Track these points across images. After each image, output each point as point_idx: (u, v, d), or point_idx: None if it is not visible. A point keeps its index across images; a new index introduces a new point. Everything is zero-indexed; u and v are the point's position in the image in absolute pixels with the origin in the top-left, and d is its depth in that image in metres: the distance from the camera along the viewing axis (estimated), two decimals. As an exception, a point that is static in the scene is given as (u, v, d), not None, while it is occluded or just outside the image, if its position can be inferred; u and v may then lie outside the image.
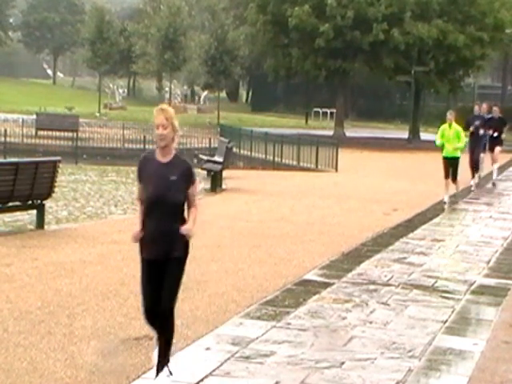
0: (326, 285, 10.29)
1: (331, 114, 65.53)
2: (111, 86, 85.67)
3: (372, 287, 10.27)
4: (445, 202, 19.21)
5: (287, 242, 13.36)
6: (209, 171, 23.01)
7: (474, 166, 23.35)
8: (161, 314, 6.45)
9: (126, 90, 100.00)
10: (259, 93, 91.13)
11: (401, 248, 13.26)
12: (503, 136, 24.51)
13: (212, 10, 71.81)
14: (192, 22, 73.67)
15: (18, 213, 14.80)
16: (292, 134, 40.23)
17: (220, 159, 23.29)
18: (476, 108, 24.03)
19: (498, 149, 24.33)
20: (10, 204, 13.69)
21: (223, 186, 22.60)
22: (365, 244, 13.50)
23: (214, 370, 6.88)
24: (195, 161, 34.22)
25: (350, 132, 54.53)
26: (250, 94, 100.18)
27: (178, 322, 8.31)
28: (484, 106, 24.23)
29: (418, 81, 49.61)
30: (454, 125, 19.32)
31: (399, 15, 47.99)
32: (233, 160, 28.93)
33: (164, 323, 6.50)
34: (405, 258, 12.39)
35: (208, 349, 7.49)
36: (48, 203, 14.86)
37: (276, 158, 34.27)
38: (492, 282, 11.12)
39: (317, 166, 30.92)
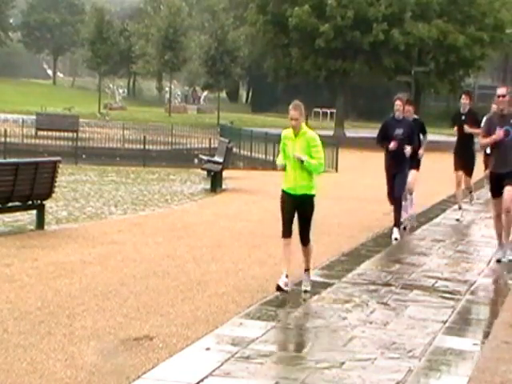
0: (326, 285, 10.29)
1: (331, 114, 65.59)
2: (111, 86, 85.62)
3: (372, 287, 10.26)
4: (285, 291, 9.66)
5: (287, 242, 13.31)
6: (209, 171, 23.01)
7: (395, 201, 14.18)
8: None
9: (125, 90, 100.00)
10: (259, 93, 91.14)
11: (401, 248, 13.24)
12: (420, 152, 15.16)
13: (212, 11, 71.74)
14: (192, 23, 73.70)
15: (18, 213, 14.79)
16: (292, 134, 40.08)
17: (220, 159, 23.27)
18: (397, 106, 14.29)
19: (413, 172, 15.05)
20: (10, 204, 13.68)
21: (223, 187, 22.59)
22: (365, 244, 13.49)
23: (214, 370, 6.88)
24: (195, 161, 34.34)
25: (350, 132, 54.52)
26: (250, 94, 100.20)
27: (177, 322, 8.35)
28: (398, 102, 14.30)
29: (418, 81, 49.65)
30: (306, 131, 10.11)
31: (399, 15, 48.06)
32: (233, 160, 28.91)
33: None
34: (405, 258, 12.39)
35: (208, 349, 7.48)
36: (48, 203, 14.85)
37: (276, 159, 34.18)
38: (492, 281, 11.12)
39: (317, 166, 30.82)
